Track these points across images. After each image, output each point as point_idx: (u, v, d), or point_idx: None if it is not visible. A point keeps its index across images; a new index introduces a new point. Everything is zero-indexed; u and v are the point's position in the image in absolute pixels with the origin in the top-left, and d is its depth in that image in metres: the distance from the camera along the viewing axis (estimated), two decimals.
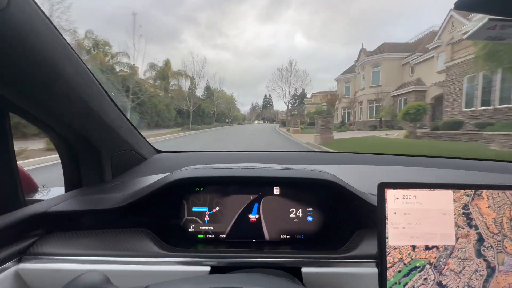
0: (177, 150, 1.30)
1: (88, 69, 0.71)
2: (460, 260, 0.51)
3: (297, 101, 70.81)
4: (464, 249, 0.51)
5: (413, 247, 0.51)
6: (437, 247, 0.51)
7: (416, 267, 0.51)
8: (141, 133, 1.07)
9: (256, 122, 79.77)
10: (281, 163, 1.05)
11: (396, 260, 0.51)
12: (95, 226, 0.69)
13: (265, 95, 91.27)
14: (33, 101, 0.61)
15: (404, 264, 0.51)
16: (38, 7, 0.53)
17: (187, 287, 0.38)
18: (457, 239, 0.51)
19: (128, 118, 0.95)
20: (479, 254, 0.51)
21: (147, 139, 1.13)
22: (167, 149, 1.25)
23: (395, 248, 0.51)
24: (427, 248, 0.51)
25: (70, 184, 0.87)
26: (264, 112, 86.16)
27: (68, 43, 0.62)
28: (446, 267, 0.51)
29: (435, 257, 0.51)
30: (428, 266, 0.51)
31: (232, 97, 52.64)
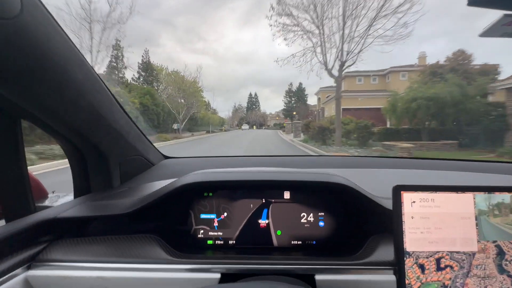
0: (186, 156, 1.30)
1: (98, 76, 0.71)
2: (480, 278, 0.47)
3: (293, 99, 58.77)
4: (483, 266, 0.47)
5: (422, 269, 0.48)
6: (451, 266, 0.48)
7: None
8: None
9: (242, 127, 54.95)
10: (291, 167, 1.05)
11: None
12: (104, 232, 0.69)
13: (250, 94, 75.41)
14: (44, 107, 0.62)
15: None
16: (49, 14, 0.53)
17: None
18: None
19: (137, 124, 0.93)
20: (501, 270, 0.47)
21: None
22: None
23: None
24: (439, 268, 0.48)
25: (79, 190, 0.87)
26: (249, 114, 68.56)
27: (78, 50, 0.63)
28: None
29: (450, 278, 0.47)
30: None
31: (196, 85, 24.08)
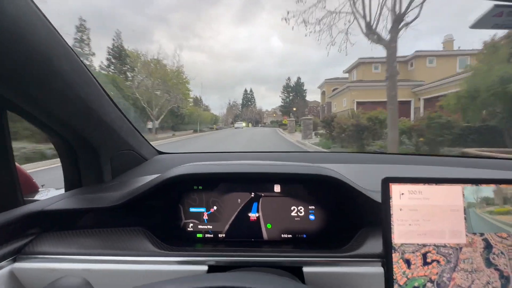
0: (180, 152, 1.30)
1: (87, 68, 0.71)
2: (467, 273, 0.47)
3: (291, 94, 54.43)
4: (470, 260, 0.47)
5: (408, 264, 0.47)
6: (437, 261, 0.47)
7: None
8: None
9: (236, 125, 45.06)
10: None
11: None
12: (92, 225, 0.69)
13: (245, 90, 69.54)
14: (30, 98, 0.61)
15: (399, 285, 0.47)
16: (33, 3, 0.52)
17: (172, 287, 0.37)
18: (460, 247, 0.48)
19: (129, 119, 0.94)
20: (488, 264, 0.47)
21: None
22: None
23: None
24: (425, 263, 0.47)
25: (70, 184, 0.86)
26: (245, 111, 64.62)
27: (65, 41, 0.62)
28: (451, 283, 0.47)
29: (437, 273, 0.47)
30: (429, 284, 0.47)
31: (181, 75, 20.28)
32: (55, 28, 0.58)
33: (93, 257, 0.59)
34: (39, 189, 0.93)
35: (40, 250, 0.60)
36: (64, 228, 0.67)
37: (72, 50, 0.65)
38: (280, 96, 57.19)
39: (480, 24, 0.55)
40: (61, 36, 0.60)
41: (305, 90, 54.96)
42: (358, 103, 17.09)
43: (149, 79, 17.69)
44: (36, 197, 0.88)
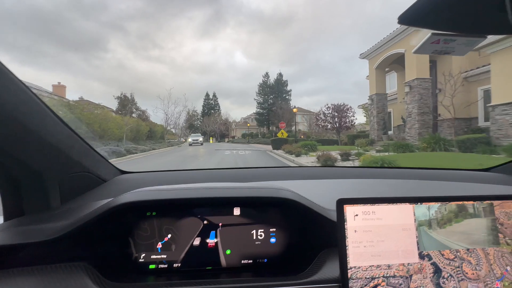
0: (143, 170, 1.22)
1: (25, 85, 0.64)
2: None
3: (271, 96, 41.08)
4: (421, 287, 0.46)
5: None
6: None
7: None
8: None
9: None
10: (246, 180, 1.01)
11: None
12: (30, 261, 0.61)
13: (207, 95, 54.42)
14: None
15: None
16: None
17: None
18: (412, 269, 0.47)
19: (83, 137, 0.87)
20: None
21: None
22: None
23: None
24: None
25: (10, 212, 0.77)
26: (207, 121, 47.35)
27: None
28: None
29: None
30: None
31: None
32: None
33: None
34: None
35: None
36: None
37: (4, 66, 0.58)
38: (255, 99, 42.77)
39: (421, 50, 0.59)
40: None
41: (289, 91, 41.63)
42: None
43: None
44: None
